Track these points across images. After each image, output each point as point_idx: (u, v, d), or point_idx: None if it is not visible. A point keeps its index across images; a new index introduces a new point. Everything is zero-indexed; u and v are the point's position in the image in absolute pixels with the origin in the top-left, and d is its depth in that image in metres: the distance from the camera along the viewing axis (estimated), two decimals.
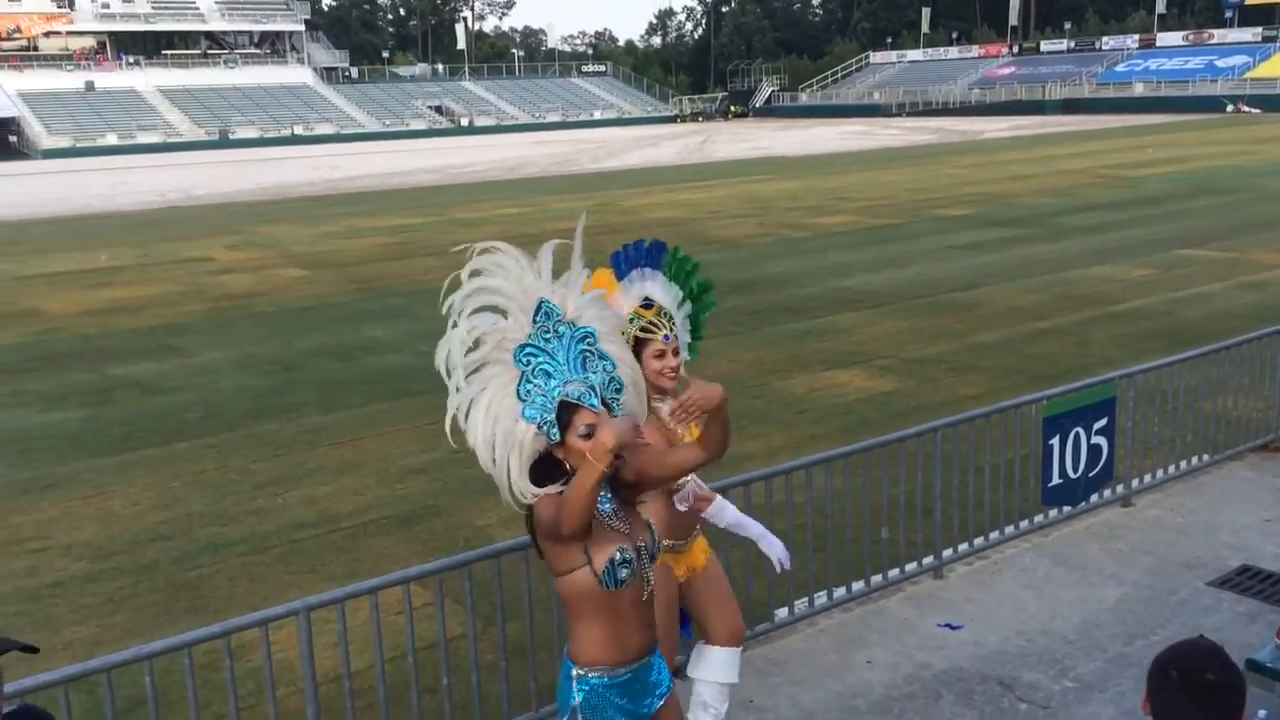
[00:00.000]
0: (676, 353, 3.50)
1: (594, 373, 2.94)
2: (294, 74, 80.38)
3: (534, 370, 2.91)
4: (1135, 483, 6.41)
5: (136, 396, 10.86)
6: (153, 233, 24.85)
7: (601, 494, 2.88)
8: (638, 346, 3.40)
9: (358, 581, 5.16)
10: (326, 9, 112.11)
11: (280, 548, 6.93)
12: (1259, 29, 73.25)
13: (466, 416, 2.90)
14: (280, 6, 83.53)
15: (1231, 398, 7.07)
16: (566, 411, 2.85)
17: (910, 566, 5.45)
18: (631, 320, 3.46)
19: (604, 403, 2.91)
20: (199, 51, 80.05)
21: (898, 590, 5.33)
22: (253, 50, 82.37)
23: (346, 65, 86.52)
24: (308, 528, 7.23)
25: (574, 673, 2.94)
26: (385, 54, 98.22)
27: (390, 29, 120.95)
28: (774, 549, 3.88)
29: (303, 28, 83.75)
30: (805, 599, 5.12)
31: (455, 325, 2.94)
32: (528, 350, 2.92)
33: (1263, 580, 5.27)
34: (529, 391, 2.88)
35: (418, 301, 15.25)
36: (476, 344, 2.93)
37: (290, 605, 3.82)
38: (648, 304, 3.52)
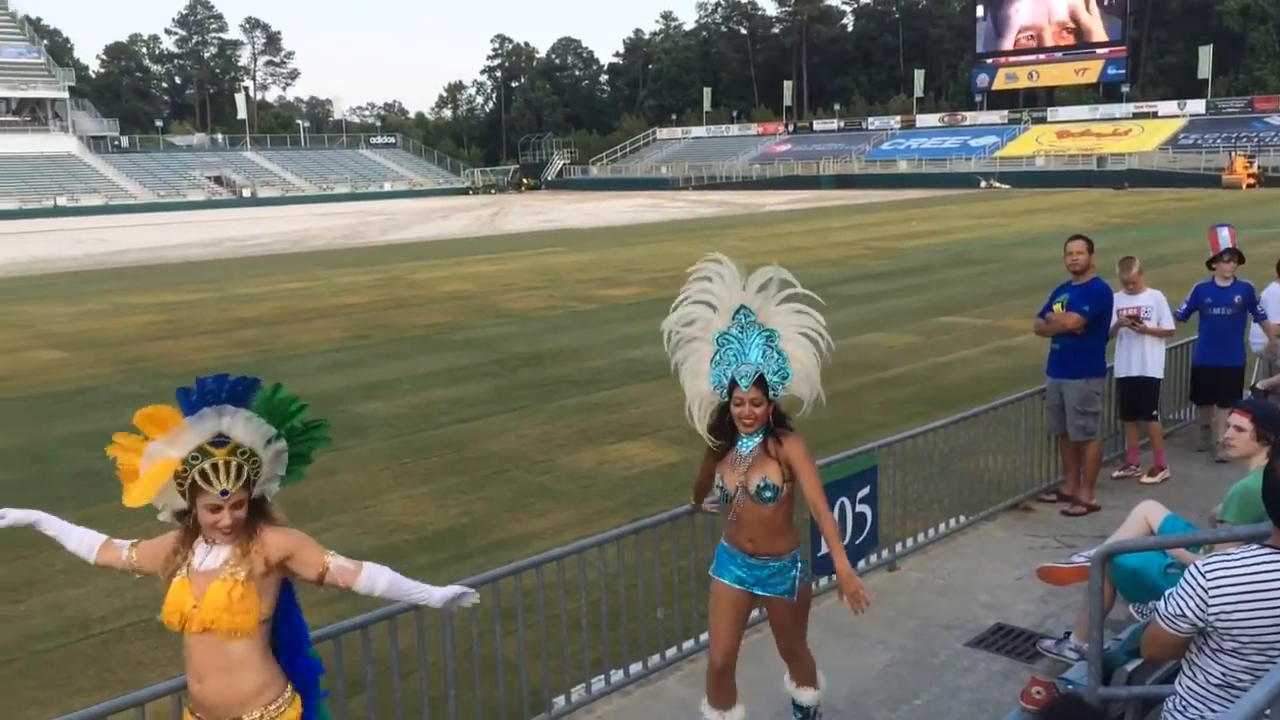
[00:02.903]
0: (238, 506, 3.11)
1: (770, 361, 4.21)
2: (57, 143, 75.88)
3: (726, 350, 4.25)
4: (899, 547, 6.69)
5: None
6: None
7: (747, 440, 4.22)
8: (195, 488, 3.09)
9: (110, 695, 4.75)
10: (94, 76, 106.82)
11: (21, 661, 6.33)
12: (1005, 112, 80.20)
13: (677, 372, 4.38)
14: (41, 73, 78.95)
15: (985, 459, 7.53)
16: (734, 385, 4.16)
17: (688, 644, 5.46)
18: (195, 459, 3.06)
19: (765, 383, 4.16)
20: None
21: (676, 669, 5.33)
22: (10, 118, 77.32)
23: (116, 134, 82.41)
24: (54, 637, 6.64)
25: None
26: (159, 123, 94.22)
27: (165, 97, 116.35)
28: (449, 597, 3.41)
29: (67, 95, 79.36)
30: (583, 685, 5.05)
31: (675, 310, 4.34)
32: (724, 335, 4.26)
33: (1014, 638, 5.56)
34: (716, 363, 4.26)
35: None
36: (690, 323, 4.33)
37: None
38: (220, 442, 3.09)
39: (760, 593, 4.34)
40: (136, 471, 3.11)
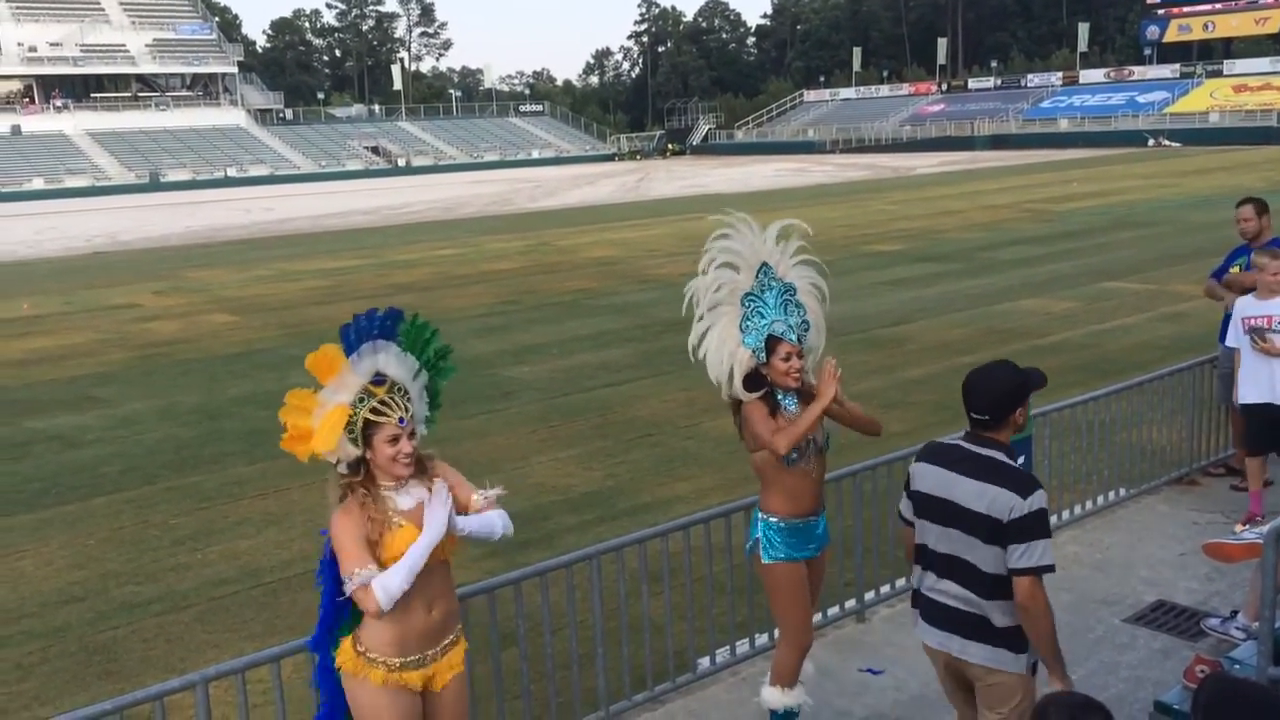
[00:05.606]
0: (413, 435, 3.28)
1: (791, 315, 4.19)
2: (227, 116, 79.57)
3: (752, 311, 4.19)
4: (1055, 520, 6.47)
5: (54, 451, 10.57)
6: (77, 279, 24.35)
7: (790, 396, 4.19)
8: (368, 429, 3.23)
9: (280, 640, 5.04)
10: (260, 51, 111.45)
11: (199, 605, 6.76)
12: (1177, 65, 75.77)
13: (701, 340, 4.26)
14: (213, 49, 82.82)
15: (1148, 430, 7.21)
16: (772, 342, 4.14)
17: (833, 610, 5.44)
18: (361, 400, 3.22)
19: (798, 338, 4.16)
20: (129, 94, 78.91)
21: (820, 635, 5.30)
22: (184, 93, 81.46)
23: (281, 107, 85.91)
24: (229, 584, 7.06)
25: (759, 516, 4.32)
26: (321, 95, 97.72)
27: (326, 70, 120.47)
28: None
29: (236, 70, 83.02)
30: (727, 647, 5.09)
31: (704, 274, 4.26)
32: (749, 296, 4.20)
33: (1176, 615, 5.35)
34: (748, 326, 4.18)
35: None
36: (718, 289, 4.24)
37: (188, 678, 3.68)
38: (379, 380, 3.26)
39: (816, 554, 4.36)
40: (308, 432, 3.26)
